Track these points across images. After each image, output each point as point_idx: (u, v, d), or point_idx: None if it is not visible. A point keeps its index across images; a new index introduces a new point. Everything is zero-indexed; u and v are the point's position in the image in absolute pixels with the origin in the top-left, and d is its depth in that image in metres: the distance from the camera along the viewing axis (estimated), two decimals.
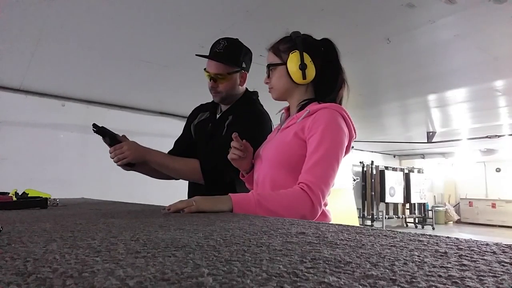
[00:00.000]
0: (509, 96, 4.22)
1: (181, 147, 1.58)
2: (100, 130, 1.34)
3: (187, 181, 1.56)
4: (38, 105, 4.30)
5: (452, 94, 4.20)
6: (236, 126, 1.37)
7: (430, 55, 3.02)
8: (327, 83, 1.13)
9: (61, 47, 2.89)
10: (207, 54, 1.40)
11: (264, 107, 1.48)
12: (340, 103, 1.12)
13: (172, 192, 2.16)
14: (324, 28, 2.48)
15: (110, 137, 1.35)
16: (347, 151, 1.05)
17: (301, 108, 1.12)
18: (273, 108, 1.44)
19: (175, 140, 1.65)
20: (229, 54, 1.37)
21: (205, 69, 1.41)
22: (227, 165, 1.22)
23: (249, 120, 1.39)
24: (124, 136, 1.39)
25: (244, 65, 1.43)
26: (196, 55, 1.45)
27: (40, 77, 3.77)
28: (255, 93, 1.53)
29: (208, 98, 1.64)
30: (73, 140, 4.55)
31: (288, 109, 1.22)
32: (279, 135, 1.13)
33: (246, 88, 1.52)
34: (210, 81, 1.39)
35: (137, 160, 1.33)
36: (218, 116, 1.52)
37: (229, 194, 0.93)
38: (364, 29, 2.57)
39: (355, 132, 1.07)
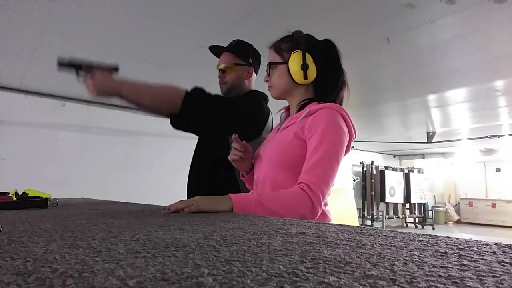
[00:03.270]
0: (509, 96, 4.22)
1: None
2: (65, 65, 1.19)
3: (187, 182, 1.56)
4: (38, 105, 4.30)
5: (452, 94, 4.20)
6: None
7: (430, 55, 3.02)
8: (328, 84, 1.13)
9: (61, 47, 2.89)
10: (210, 54, 1.56)
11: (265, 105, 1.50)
12: (340, 104, 1.12)
13: (172, 192, 2.17)
14: (324, 28, 2.48)
15: (80, 70, 1.21)
16: (347, 151, 1.05)
17: (301, 108, 1.11)
18: (273, 108, 1.45)
19: None
20: (237, 48, 1.52)
21: (217, 66, 1.53)
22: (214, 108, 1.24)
23: (246, 96, 1.47)
24: (98, 67, 1.23)
25: (251, 61, 1.53)
26: (209, 47, 1.57)
27: (40, 77, 3.77)
28: (263, 94, 1.52)
29: None
30: (73, 140, 4.55)
31: (287, 109, 1.22)
32: (279, 135, 1.13)
33: (255, 90, 1.55)
34: (219, 72, 1.52)
35: (104, 95, 1.21)
36: None
37: (229, 194, 0.93)
38: (364, 29, 2.57)
39: (355, 132, 1.07)
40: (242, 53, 1.51)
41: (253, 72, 1.55)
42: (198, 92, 1.29)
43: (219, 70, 1.51)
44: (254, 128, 1.38)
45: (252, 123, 1.37)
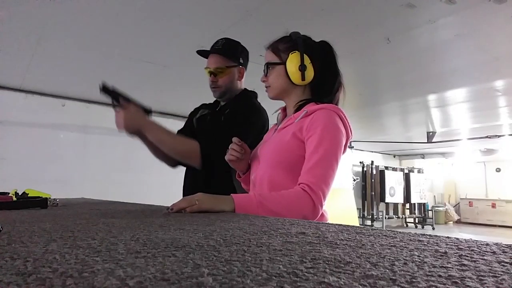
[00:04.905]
0: (509, 96, 4.22)
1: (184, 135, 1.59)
2: (106, 91, 1.29)
3: (183, 182, 1.56)
4: (38, 105, 4.30)
5: (452, 94, 4.20)
6: (232, 115, 1.41)
7: (430, 55, 3.02)
8: (325, 85, 1.13)
9: (61, 47, 2.89)
10: (207, 54, 1.48)
11: (260, 104, 1.50)
12: (336, 105, 1.13)
13: (172, 192, 2.16)
14: (324, 28, 2.48)
15: (116, 100, 1.30)
16: (343, 151, 1.06)
17: (299, 108, 1.12)
18: (270, 109, 1.44)
19: (178, 130, 1.66)
20: (227, 49, 1.46)
21: (206, 68, 1.48)
22: (223, 153, 1.23)
23: (245, 109, 1.43)
24: (134, 103, 1.32)
25: (241, 61, 1.49)
26: (197, 51, 1.51)
27: (40, 77, 3.77)
28: (253, 93, 1.55)
29: (208, 98, 1.65)
30: (73, 140, 4.55)
31: (284, 109, 1.22)
32: (277, 135, 1.13)
33: (245, 88, 1.55)
34: (210, 76, 1.46)
35: (131, 131, 1.29)
36: (217, 110, 1.56)
37: (231, 194, 0.94)
38: (364, 29, 2.57)
39: (351, 133, 1.08)
40: (233, 54, 1.47)
41: (244, 72, 1.53)
42: (208, 148, 1.33)
43: (210, 73, 1.46)
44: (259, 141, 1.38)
45: (258, 140, 1.36)
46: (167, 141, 1.33)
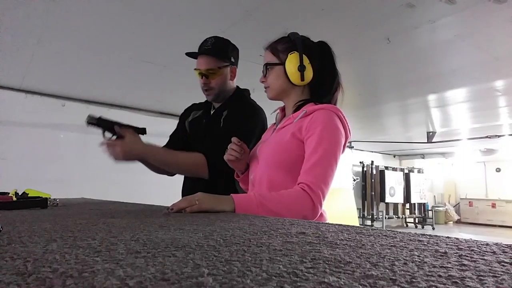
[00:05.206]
0: (509, 96, 4.22)
1: (177, 141, 1.57)
2: (94, 123, 1.24)
3: (183, 180, 1.55)
4: (38, 105, 4.30)
5: (452, 94, 4.20)
6: (232, 120, 1.39)
7: (430, 55, 3.02)
8: (324, 85, 1.13)
9: (61, 47, 2.89)
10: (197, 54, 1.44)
11: (256, 103, 1.49)
12: (335, 105, 1.13)
13: (172, 192, 2.16)
14: (324, 28, 2.48)
15: (108, 130, 1.26)
16: (342, 151, 1.06)
17: (298, 108, 1.12)
18: (267, 109, 1.44)
19: (170, 134, 1.64)
20: (218, 49, 1.40)
21: (195, 69, 1.43)
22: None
23: (244, 113, 1.40)
24: (127, 129, 1.29)
25: (233, 60, 1.45)
26: (186, 53, 1.46)
27: (40, 77, 3.77)
28: (246, 90, 1.53)
29: None
30: (73, 140, 4.55)
31: (283, 109, 1.22)
32: (275, 135, 1.13)
33: (237, 86, 1.53)
34: (202, 78, 1.41)
35: (130, 160, 1.28)
36: (212, 113, 1.52)
37: (231, 194, 0.94)
38: (364, 29, 2.57)
39: (350, 133, 1.08)
40: (224, 54, 1.41)
41: (236, 70, 1.48)
42: (214, 157, 1.32)
43: (201, 75, 1.40)
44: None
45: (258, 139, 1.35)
46: (171, 162, 1.34)
